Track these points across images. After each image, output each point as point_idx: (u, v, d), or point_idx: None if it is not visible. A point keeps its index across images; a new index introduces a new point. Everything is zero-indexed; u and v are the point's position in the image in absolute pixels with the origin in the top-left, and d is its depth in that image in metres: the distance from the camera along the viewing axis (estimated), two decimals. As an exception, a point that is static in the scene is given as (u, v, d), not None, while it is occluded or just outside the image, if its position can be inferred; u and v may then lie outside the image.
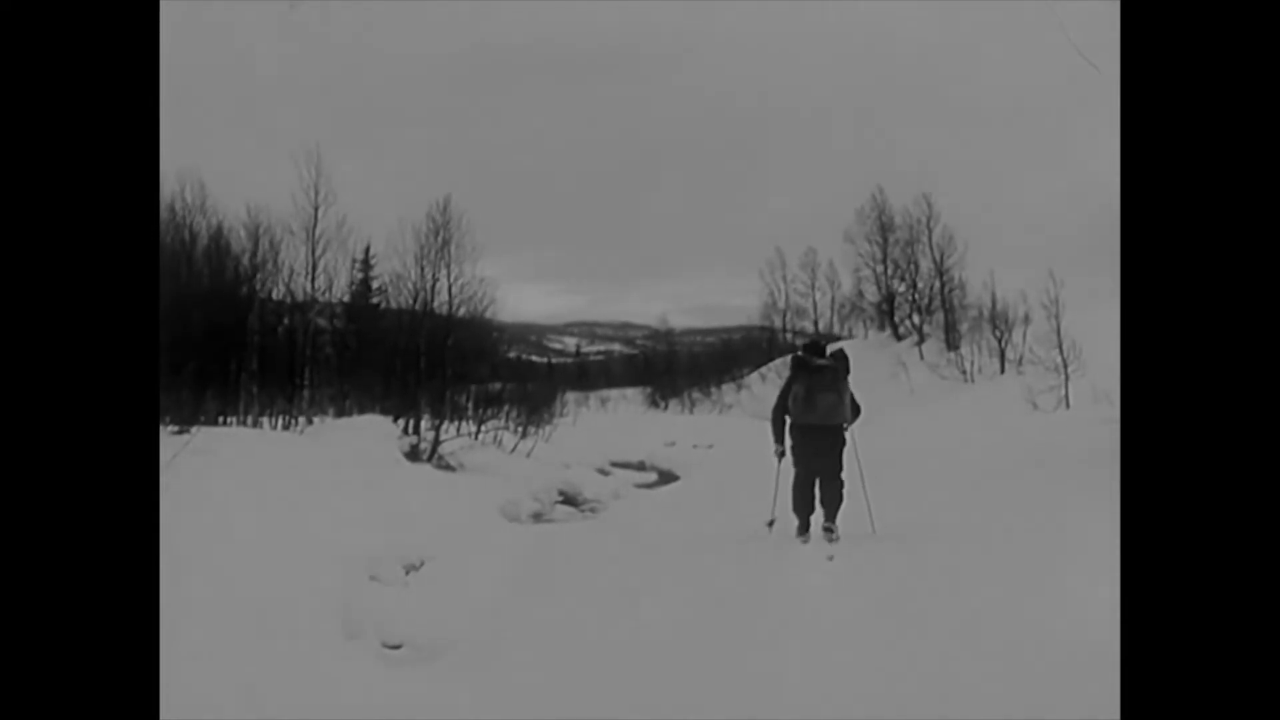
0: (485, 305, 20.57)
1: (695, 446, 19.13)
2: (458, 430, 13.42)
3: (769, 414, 6.14)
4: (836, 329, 47.19)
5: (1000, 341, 30.56)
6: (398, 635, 4.39)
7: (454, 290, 19.55)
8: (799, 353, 6.14)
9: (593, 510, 10.60)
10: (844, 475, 5.78)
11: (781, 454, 6.00)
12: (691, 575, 5.18)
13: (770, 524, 6.04)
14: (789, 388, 5.95)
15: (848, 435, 5.90)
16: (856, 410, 5.99)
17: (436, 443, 12.01)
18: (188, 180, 18.23)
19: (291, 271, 17.87)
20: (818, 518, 5.83)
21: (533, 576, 5.84)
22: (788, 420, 5.94)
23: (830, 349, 6.20)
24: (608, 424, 26.90)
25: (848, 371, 5.91)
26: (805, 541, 5.74)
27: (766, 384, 38.47)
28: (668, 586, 4.97)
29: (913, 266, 40.86)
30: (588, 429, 22.14)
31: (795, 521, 5.85)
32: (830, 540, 5.65)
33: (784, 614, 4.24)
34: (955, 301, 37.53)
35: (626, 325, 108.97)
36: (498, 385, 19.97)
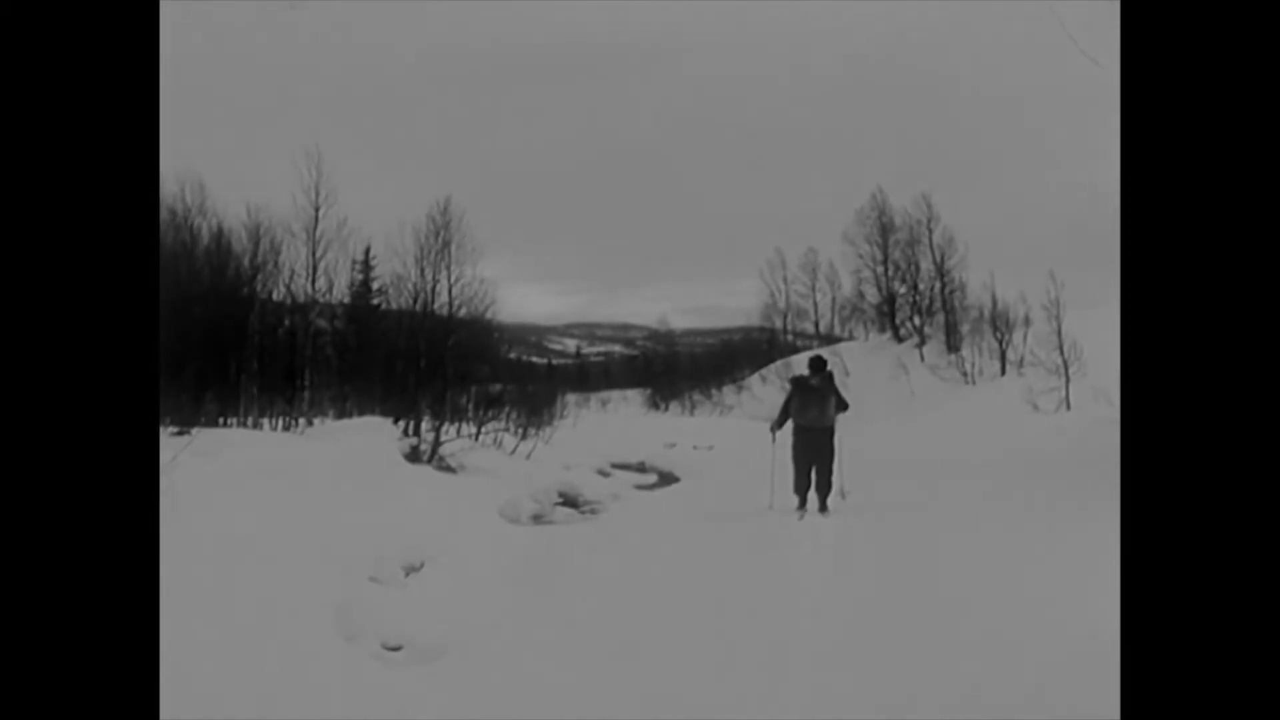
0: (485, 306, 20.56)
1: (695, 448, 19.06)
2: (458, 432, 13.38)
3: (769, 416, 8.49)
4: (837, 330, 47.24)
5: (1001, 343, 30.58)
6: (397, 636, 4.38)
7: (454, 291, 19.55)
8: (799, 375, 8.23)
9: (592, 511, 10.57)
10: (834, 466, 7.56)
11: (776, 429, 8.04)
12: (691, 575, 5.18)
13: (770, 507, 7.58)
14: (790, 399, 7.93)
15: (836, 441, 7.70)
16: (844, 406, 7.86)
17: (436, 444, 11.98)
18: (187, 181, 18.17)
19: (292, 272, 17.84)
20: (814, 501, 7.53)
21: (533, 578, 5.84)
22: (790, 422, 7.86)
23: (814, 352, 8.30)
24: (608, 425, 26.83)
25: (832, 384, 7.88)
26: (801, 518, 7.27)
27: (767, 385, 38.42)
28: (668, 587, 4.97)
29: (913, 268, 40.84)
30: (588, 430, 22.07)
31: (795, 500, 7.54)
32: (822, 516, 7.29)
33: (782, 614, 4.25)
34: (956, 303, 37.53)
35: (626, 326, 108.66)
36: (498, 386, 19.91)
